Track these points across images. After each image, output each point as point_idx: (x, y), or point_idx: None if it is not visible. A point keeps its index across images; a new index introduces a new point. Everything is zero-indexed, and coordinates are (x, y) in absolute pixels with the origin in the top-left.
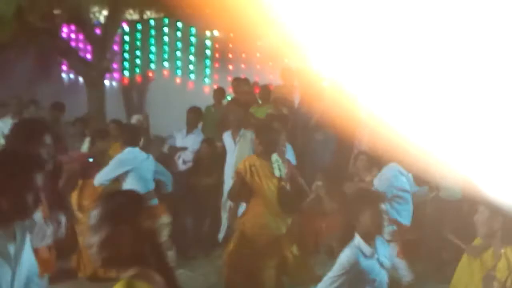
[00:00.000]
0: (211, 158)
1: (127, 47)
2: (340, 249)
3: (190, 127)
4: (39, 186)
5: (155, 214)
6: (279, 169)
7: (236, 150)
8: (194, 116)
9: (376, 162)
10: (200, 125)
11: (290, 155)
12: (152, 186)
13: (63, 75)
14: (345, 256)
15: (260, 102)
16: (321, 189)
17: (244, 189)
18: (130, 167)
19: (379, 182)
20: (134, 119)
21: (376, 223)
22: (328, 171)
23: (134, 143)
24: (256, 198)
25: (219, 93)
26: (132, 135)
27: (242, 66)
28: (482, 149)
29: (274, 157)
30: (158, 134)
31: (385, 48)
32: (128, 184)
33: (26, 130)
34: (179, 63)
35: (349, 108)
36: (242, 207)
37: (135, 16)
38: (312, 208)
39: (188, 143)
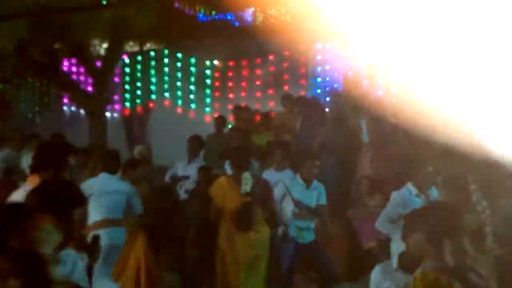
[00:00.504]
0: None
1: (127, 78)
2: None
3: (192, 156)
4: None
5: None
6: (246, 184)
7: None
8: (195, 144)
9: (378, 186)
10: (201, 153)
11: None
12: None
13: (65, 107)
14: None
15: (261, 129)
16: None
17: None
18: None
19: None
20: (137, 149)
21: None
22: (331, 196)
23: (109, 170)
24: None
25: (220, 121)
26: (110, 162)
27: (243, 94)
28: None
29: (246, 174)
30: (160, 164)
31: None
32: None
33: None
34: (179, 93)
35: (352, 133)
36: None
37: (135, 48)
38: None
39: (190, 172)
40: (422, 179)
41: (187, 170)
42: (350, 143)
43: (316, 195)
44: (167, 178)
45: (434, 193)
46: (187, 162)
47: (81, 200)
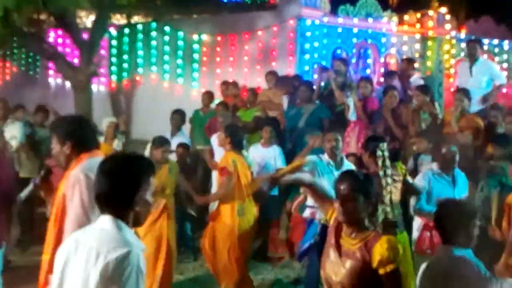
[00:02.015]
0: (185, 162)
1: (114, 51)
2: None
3: (174, 130)
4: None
5: None
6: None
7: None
8: (178, 118)
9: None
10: (183, 127)
11: (280, 157)
12: None
13: (50, 79)
14: None
15: (248, 105)
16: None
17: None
18: None
19: None
20: (105, 122)
21: None
22: None
23: None
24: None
25: (207, 96)
26: None
27: (230, 69)
28: None
29: (245, 152)
30: (146, 138)
31: None
32: None
33: None
34: (167, 67)
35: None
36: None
37: (122, 21)
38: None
39: (172, 145)
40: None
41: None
42: (337, 120)
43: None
44: (146, 152)
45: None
46: (170, 135)
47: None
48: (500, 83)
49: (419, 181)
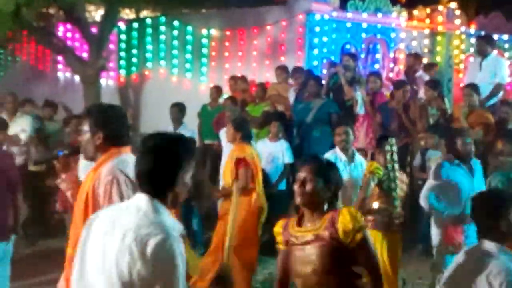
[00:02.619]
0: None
1: (123, 46)
2: None
3: (176, 123)
4: None
5: None
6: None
7: None
8: (175, 111)
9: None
10: (185, 120)
11: (287, 152)
12: None
13: (59, 73)
14: None
15: (256, 100)
16: None
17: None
18: None
19: None
20: None
21: None
22: None
23: None
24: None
25: (216, 91)
26: None
27: (239, 64)
28: None
29: (254, 143)
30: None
31: None
32: None
33: None
34: (175, 61)
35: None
36: None
37: (131, 15)
38: None
39: None
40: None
41: None
42: (346, 115)
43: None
44: None
45: None
46: (172, 129)
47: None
48: (499, 81)
49: (433, 175)
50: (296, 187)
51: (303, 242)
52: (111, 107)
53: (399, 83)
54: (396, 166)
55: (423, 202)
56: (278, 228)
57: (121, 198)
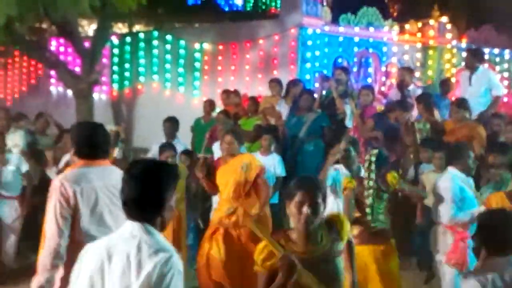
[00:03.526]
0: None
1: (116, 60)
2: None
3: (169, 137)
4: None
5: None
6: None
7: None
8: (168, 126)
9: None
10: (178, 134)
11: (279, 165)
12: None
13: (52, 88)
14: None
15: (249, 114)
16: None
17: None
18: None
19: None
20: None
21: None
22: None
23: None
24: None
25: (209, 105)
26: None
27: (232, 78)
28: None
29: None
30: (147, 146)
31: None
32: None
33: None
34: (168, 76)
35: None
36: None
37: (124, 29)
38: None
39: None
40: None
41: None
42: (338, 129)
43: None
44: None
45: None
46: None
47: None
48: (496, 94)
49: (446, 185)
50: (309, 211)
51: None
52: (84, 123)
53: (391, 107)
54: (373, 175)
55: (446, 214)
56: None
57: (54, 207)
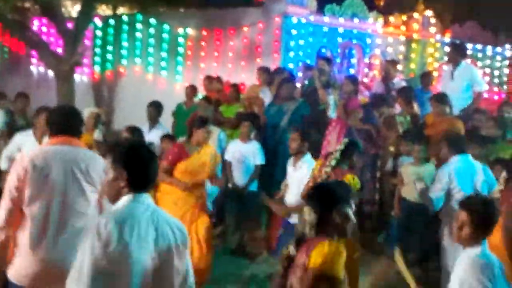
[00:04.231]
0: None
1: (99, 42)
2: None
3: (153, 122)
4: None
5: None
6: None
7: None
8: (152, 110)
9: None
10: (161, 120)
11: (259, 153)
12: None
13: (32, 68)
14: None
15: (231, 101)
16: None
17: None
18: None
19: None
20: (86, 112)
21: None
22: None
23: None
24: None
25: (191, 90)
26: None
27: (215, 64)
28: None
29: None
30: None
31: None
32: None
33: None
34: (151, 59)
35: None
36: None
37: (108, 11)
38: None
39: (153, 138)
40: None
41: (150, 136)
42: (319, 118)
43: None
44: None
45: None
46: (148, 127)
47: None
48: (478, 90)
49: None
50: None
51: None
52: (57, 106)
53: (376, 103)
54: (333, 163)
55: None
56: None
57: (10, 178)
